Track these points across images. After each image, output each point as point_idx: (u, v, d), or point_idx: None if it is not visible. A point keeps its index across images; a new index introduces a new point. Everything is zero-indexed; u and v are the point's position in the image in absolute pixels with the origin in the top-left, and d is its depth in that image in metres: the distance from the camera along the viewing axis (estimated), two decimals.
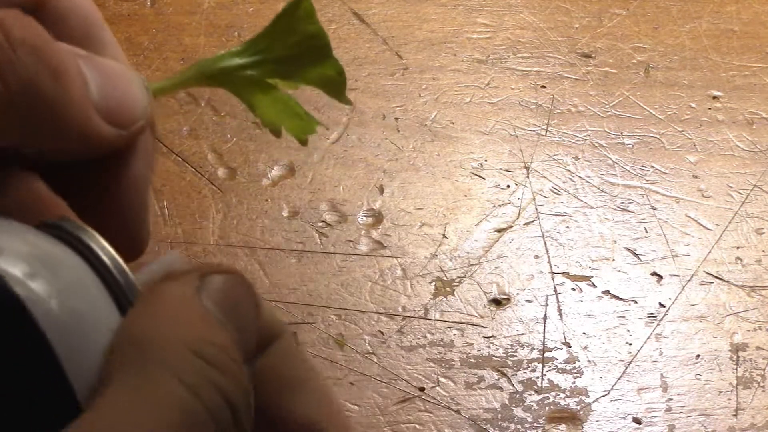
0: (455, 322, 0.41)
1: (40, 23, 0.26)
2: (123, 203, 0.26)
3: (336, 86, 0.35)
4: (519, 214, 0.45)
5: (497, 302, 0.42)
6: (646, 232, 0.45)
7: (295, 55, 0.35)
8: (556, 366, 0.41)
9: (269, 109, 0.35)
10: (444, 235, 0.44)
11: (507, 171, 0.46)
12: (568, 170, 0.46)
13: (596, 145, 0.47)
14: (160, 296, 0.22)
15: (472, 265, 0.43)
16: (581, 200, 0.45)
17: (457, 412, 0.39)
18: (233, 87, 0.34)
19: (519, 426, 0.39)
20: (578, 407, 0.40)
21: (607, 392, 0.40)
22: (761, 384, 0.41)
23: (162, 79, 0.31)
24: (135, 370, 0.20)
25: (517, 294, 0.42)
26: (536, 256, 0.44)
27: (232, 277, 0.23)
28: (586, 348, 0.41)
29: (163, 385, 0.20)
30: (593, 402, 0.40)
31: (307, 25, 0.34)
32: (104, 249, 0.21)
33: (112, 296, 0.21)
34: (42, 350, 0.18)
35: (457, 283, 0.42)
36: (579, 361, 0.41)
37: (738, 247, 0.45)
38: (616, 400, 0.40)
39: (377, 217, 0.44)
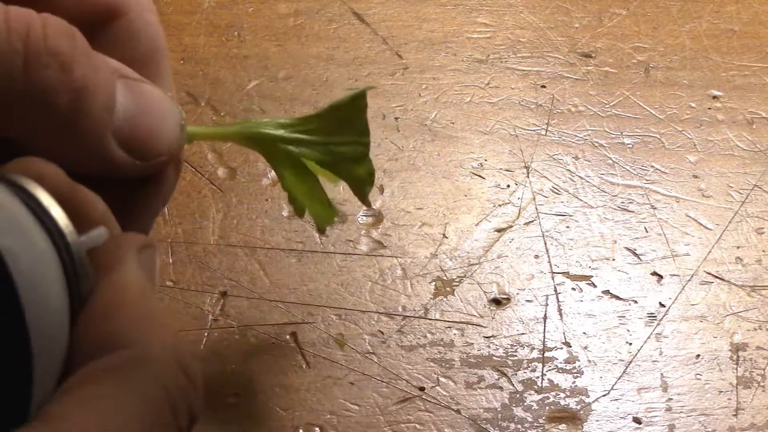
0: (455, 322, 0.41)
1: (108, 36, 0.26)
2: (125, 223, 0.25)
3: (362, 186, 0.35)
4: (519, 213, 0.45)
5: (497, 302, 0.42)
6: (646, 231, 0.45)
7: (337, 145, 0.35)
8: (556, 366, 0.41)
9: (298, 187, 0.36)
10: (444, 234, 0.44)
11: (507, 171, 0.46)
12: (568, 170, 0.46)
13: (596, 145, 0.47)
14: (123, 288, 0.22)
15: (472, 264, 0.43)
16: (581, 200, 0.45)
17: (457, 411, 0.39)
18: (270, 155, 0.35)
19: (519, 426, 0.39)
20: (578, 407, 0.40)
21: (607, 392, 0.40)
22: (761, 384, 0.41)
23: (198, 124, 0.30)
24: (123, 367, 0.21)
25: (517, 294, 0.42)
26: (536, 256, 0.44)
27: (152, 249, 0.24)
28: (586, 348, 0.41)
29: (148, 389, 0.21)
30: (593, 402, 0.40)
31: (359, 120, 0.35)
32: (49, 202, 0.21)
33: (57, 250, 0.20)
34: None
35: (457, 283, 0.42)
36: (579, 360, 0.41)
37: (738, 247, 0.45)
38: (616, 399, 0.40)
39: (377, 217, 0.44)
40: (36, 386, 0.19)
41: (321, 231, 0.37)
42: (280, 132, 0.34)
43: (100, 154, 0.25)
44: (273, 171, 0.35)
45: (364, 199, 0.35)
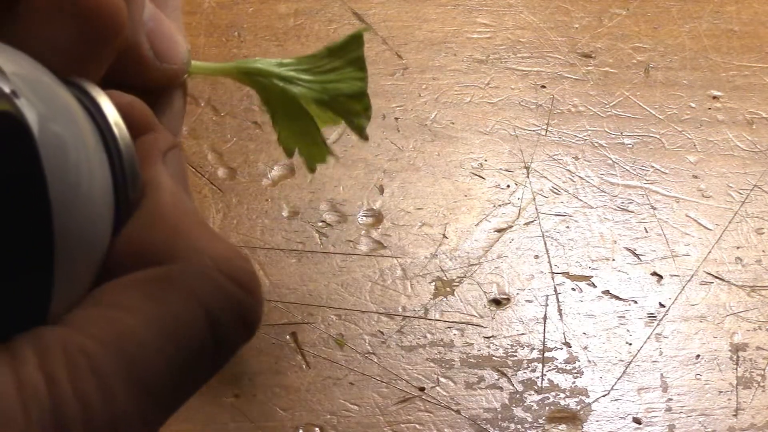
0: (455, 322, 0.41)
1: None
2: None
3: (360, 120, 0.35)
4: (519, 214, 0.45)
5: (497, 302, 0.42)
6: (646, 232, 0.45)
7: (334, 82, 0.35)
8: (556, 366, 0.41)
9: (290, 126, 0.36)
10: (444, 235, 0.44)
11: (507, 171, 0.46)
12: (568, 170, 0.46)
13: (596, 145, 0.47)
14: (157, 196, 0.22)
15: (472, 265, 0.43)
16: (581, 200, 0.45)
17: (457, 412, 0.39)
18: (264, 92, 0.35)
19: (519, 426, 0.39)
20: (578, 407, 0.40)
21: (607, 392, 0.40)
22: (761, 384, 0.41)
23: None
24: (154, 281, 0.20)
25: (517, 294, 0.42)
26: (536, 256, 0.44)
27: (178, 150, 0.24)
28: (586, 348, 0.41)
29: (178, 306, 0.20)
30: (593, 402, 0.40)
31: (356, 58, 0.35)
32: (112, 113, 0.21)
33: (108, 155, 0.20)
34: (32, 166, 0.18)
35: (457, 283, 0.42)
36: (579, 361, 0.41)
37: (738, 247, 0.45)
38: (616, 400, 0.40)
39: (377, 217, 0.44)
40: (58, 285, 0.18)
41: (311, 170, 0.37)
42: (278, 69, 0.34)
43: (134, 52, 0.26)
44: (268, 115, 0.36)
45: (361, 133, 0.35)
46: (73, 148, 0.18)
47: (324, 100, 0.35)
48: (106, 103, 0.21)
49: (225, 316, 0.21)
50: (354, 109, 0.35)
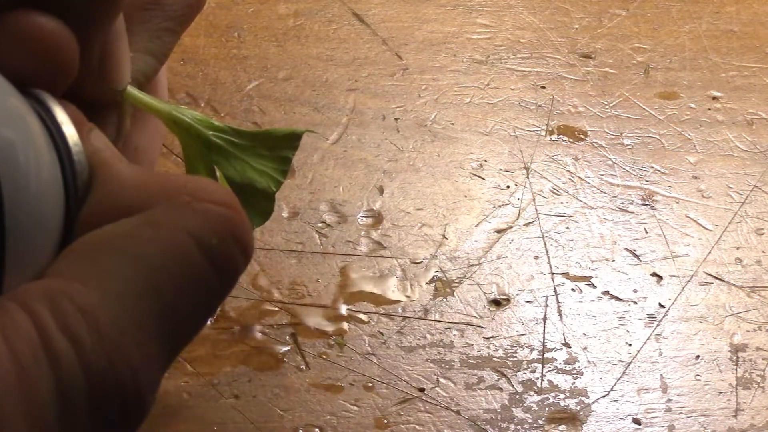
0: (455, 322, 0.41)
1: None
2: None
3: (254, 219, 0.36)
4: (519, 214, 0.45)
5: (497, 303, 0.42)
6: (646, 232, 0.45)
7: (251, 168, 0.35)
8: (555, 366, 0.41)
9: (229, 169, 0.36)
10: (444, 235, 0.44)
11: (507, 171, 0.46)
12: (568, 170, 0.46)
13: (596, 145, 0.47)
14: (113, 169, 0.23)
15: (472, 265, 0.43)
16: (581, 201, 0.45)
17: (457, 412, 0.39)
18: (186, 147, 0.36)
19: (519, 427, 0.39)
20: (578, 408, 0.40)
21: (606, 393, 0.40)
22: (761, 384, 0.41)
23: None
24: (124, 231, 0.21)
25: (517, 294, 0.42)
26: (536, 257, 0.44)
27: (97, 130, 0.25)
28: (585, 348, 0.41)
29: (153, 248, 0.21)
30: (593, 402, 0.40)
31: (285, 157, 0.35)
32: (63, 119, 0.23)
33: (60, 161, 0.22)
34: None
35: (457, 284, 0.42)
36: (579, 361, 0.41)
37: (738, 248, 0.45)
38: (616, 400, 0.40)
39: (377, 218, 0.44)
40: (9, 272, 0.20)
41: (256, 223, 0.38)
42: (207, 132, 0.34)
43: (85, 68, 0.27)
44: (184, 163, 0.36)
45: (257, 223, 0.36)
46: (22, 150, 0.20)
47: (234, 181, 0.35)
48: (59, 111, 0.23)
49: (217, 240, 0.21)
50: (256, 204, 0.35)
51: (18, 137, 0.21)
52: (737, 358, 0.42)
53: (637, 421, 0.40)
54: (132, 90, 0.33)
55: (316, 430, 0.38)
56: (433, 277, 0.42)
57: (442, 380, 0.40)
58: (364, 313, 0.41)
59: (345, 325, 0.41)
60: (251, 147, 0.35)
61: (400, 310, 0.42)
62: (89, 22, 0.27)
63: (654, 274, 0.44)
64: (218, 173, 0.35)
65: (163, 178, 0.22)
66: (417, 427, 0.39)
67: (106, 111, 0.30)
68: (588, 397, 0.40)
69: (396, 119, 0.47)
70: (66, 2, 0.26)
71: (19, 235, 0.20)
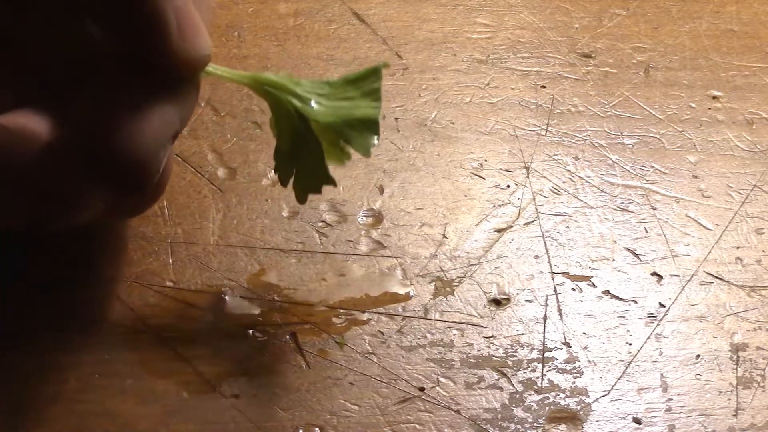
0: (455, 322, 0.41)
1: None
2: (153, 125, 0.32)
3: (366, 140, 0.36)
4: (519, 214, 0.45)
5: (497, 302, 0.42)
6: (646, 232, 0.45)
7: (346, 108, 0.36)
8: (556, 366, 0.41)
9: (293, 148, 0.36)
10: (444, 235, 0.44)
11: (507, 171, 0.46)
12: (568, 170, 0.46)
13: (596, 145, 0.47)
14: None
15: (472, 265, 0.43)
16: (581, 200, 0.45)
17: (457, 412, 0.39)
18: (277, 106, 0.36)
19: (519, 426, 0.39)
20: (578, 407, 0.40)
21: (607, 392, 0.40)
22: (761, 384, 0.41)
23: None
24: None
25: (517, 294, 0.42)
26: (536, 256, 0.44)
27: None
28: (586, 348, 0.41)
29: None
30: (593, 402, 0.40)
31: (372, 88, 0.36)
32: None
33: None
34: None
35: (457, 283, 0.42)
36: (579, 361, 0.41)
37: (738, 247, 0.45)
38: (616, 400, 0.40)
39: (377, 217, 0.44)
40: None
41: (301, 200, 0.37)
42: (294, 87, 0.35)
43: (160, 27, 0.30)
44: (273, 135, 0.36)
45: (366, 151, 0.35)
46: None
47: (335, 124, 0.35)
48: None
49: None
50: (361, 135, 0.35)
51: None
52: (737, 357, 0.42)
53: (637, 421, 0.40)
54: (212, 65, 0.34)
55: (317, 429, 0.38)
56: (434, 277, 0.42)
57: (442, 379, 0.40)
58: (364, 312, 0.41)
59: (345, 325, 0.41)
60: (339, 93, 0.35)
61: (400, 309, 0.42)
62: None
63: (654, 274, 0.44)
64: (313, 124, 0.35)
65: None
66: (417, 426, 0.39)
67: (185, 87, 0.33)
68: (588, 397, 0.40)
69: (396, 119, 0.47)
70: None
71: None
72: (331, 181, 0.36)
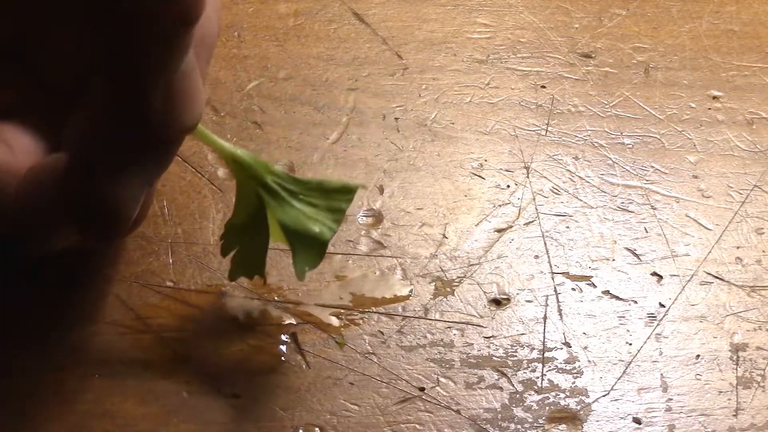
0: (455, 322, 0.41)
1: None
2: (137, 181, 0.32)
3: (304, 260, 0.36)
4: (519, 214, 0.45)
5: (497, 302, 0.42)
6: (646, 232, 0.45)
7: (305, 215, 0.36)
8: (556, 366, 0.41)
9: (243, 226, 0.37)
10: (444, 235, 0.44)
11: (507, 171, 0.46)
12: (568, 170, 0.46)
13: (596, 145, 0.47)
14: None
15: (472, 265, 0.43)
16: (581, 200, 0.45)
17: (457, 412, 0.39)
18: (242, 186, 0.36)
19: (519, 426, 0.39)
20: (578, 407, 0.40)
21: (607, 392, 0.40)
22: (761, 384, 0.41)
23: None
24: None
25: (517, 294, 0.42)
26: (536, 256, 0.44)
27: None
28: (586, 348, 0.41)
29: None
30: (593, 402, 0.40)
31: (339, 203, 0.36)
32: None
33: None
34: None
35: (457, 283, 0.42)
36: (579, 361, 0.41)
37: (738, 247, 0.45)
38: (616, 400, 0.40)
39: (377, 217, 0.44)
40: None
41: (232, 278, 0.38)
42: (266, 176, 0.35)
43: (143, 108, 0.28)
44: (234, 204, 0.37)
45: (300, 273, 0.36)
46: None
47: (287, 228, 0.36)
48: None
49: None
50: (308, 249, 0.36)
51: None
52: (737, 357, 0.42)
53: (637, 421, 0.40)
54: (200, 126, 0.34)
55: (317, 429, 0.38)
56: (434, 277, 0.42)
57: (442, 379, 0.40)
58: (364, 312, 0.41)
59: (345, 325, 0.41)
60: (306, 195, 0.36)
61: (400, 309, 0.42)
62: (148, 68, 0.27)
63: (654, 274, 0.44)
64: (269, 215, 0.36)
65: None
66: (417, 426, 0.39)
67: (169, 146, 0.32)
68: (588, 397, 0.40)
69: (396, 119, 0.47)
70: (120, 50, 0.26)
71: None
72: (263, 276, 0.37)
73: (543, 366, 0.41)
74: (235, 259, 0.38)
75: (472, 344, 0.41)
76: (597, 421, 0.40)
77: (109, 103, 0.29)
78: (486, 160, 0.46)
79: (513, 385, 0.40)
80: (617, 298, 0.43)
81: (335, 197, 0.36)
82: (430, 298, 0.42)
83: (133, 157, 0.30)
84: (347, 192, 0.36)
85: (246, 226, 0.36)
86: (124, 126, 0.29)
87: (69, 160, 0.30)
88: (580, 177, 0.46)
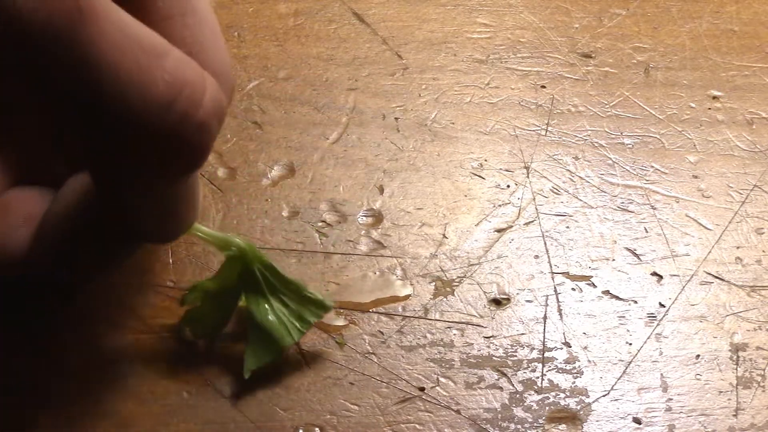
0: (455, 322, 0.41)
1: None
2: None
3: (256, 358, 0.38)
4: (519, 214, 0.45)
5: (497, 302, 0.42)
6: (646, 232, 0.45)
7: (277, 320, 0.37)
8: (556, 366, 0.41)
9: (217, 290, 0.38)
10: (444, 235, 0.44)
11: (507, 171, 0.46)
12: (568, 170, 0.46)
13: (596, 145, 0.47)
14: None
15: (472, 265, 0.43)
16: (581, 200, 0.45)
17: (457, 412, 0.39)
18: (228, 260, 0.37)
19: (519, 426, 0.39)
20: (578, 407, 0.40)
21: (607, 392, 0.40)
22: (761, 384, 0.41)
23: None
24: None
25: (517, 294, 0.42)
26: (536, 256, 0.44)
27: None
28: (586, 348, 0.41)
29: None
30: (593, 402, 0.40)
31: (307, 320, 0.38)
32: None
33: None
34: None
35: (457, 283, 0.42)
36: (579, 361, 0.41)
37: (738, 247, 0.45)
38: (616, 400, 0.40)
39: (377, 217, 0.44)
40: None
41: (181, 325, 0.39)
42: (255, 264, 0.36)
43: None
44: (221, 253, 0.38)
45: (246, 370, 0.37)
46: None
47: (252, 318, 0.38)
48: None
49: None
50: (263, 351, 0.37)
51: None
52: (737, 357, 0.42)
53: (637, 421, 0.40)
54: (197, 225, 0.35)
55: (317, 429, 0.38)
56: (434, 277, 0.42)
57: (442, 379, 0.40)
58: (364, 312, 0.41)
59: (345, 325, 0.41)
60: (283, 294, 0.37)
61: (400, 309, 0.42)
62: (142, 190, 0.27)
63: (654, 274, 0.44)
64: (243, 299, 0.36)
65: None
66: (417, 426, 0.39)
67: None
68: (588, 397, 0.40)
69: (396, 119, 0.47)
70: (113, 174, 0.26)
71: None
72: (211, 341, 0.39)
73: (543, 366, 0.41)
74: (190, 314, 0.39)
75: (472, 344, 0.41)
76: (597, 421, 0.40)
77: (101, 205, 0.29)
78: (486, 160, 0.46)
79: (513, 385, 0.40)
80: (617, 298, 0.43)
81: (309, 308, 0.38)
82: (430, 298, 0.42)
83: (111, 249, 0.31)
84: (321, 308, 0.38)
85: (218, 294, 0.38)
86: (111, 226, 0.30)
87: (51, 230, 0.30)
88: (580, 177, 0.46)
